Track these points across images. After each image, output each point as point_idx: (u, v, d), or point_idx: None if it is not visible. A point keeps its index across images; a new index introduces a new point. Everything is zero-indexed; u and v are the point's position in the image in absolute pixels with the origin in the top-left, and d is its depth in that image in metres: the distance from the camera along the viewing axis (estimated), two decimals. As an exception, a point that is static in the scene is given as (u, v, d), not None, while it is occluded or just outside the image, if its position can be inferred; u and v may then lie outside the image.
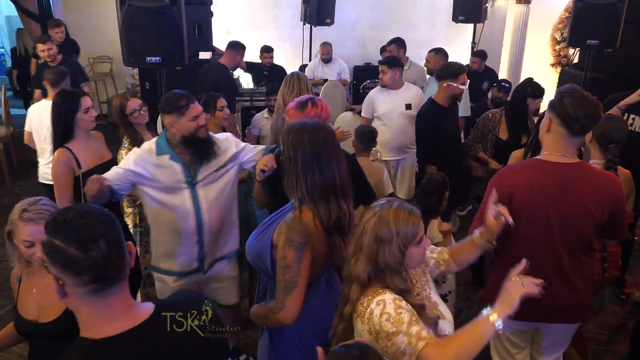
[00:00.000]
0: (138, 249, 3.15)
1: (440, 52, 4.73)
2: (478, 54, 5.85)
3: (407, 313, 1.43)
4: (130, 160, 2.36)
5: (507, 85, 4.86)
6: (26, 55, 8.43)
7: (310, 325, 1.88)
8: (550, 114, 1.99)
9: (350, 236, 1.82)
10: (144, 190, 2.38)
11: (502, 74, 7.16)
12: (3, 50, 10.13)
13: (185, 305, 1.30)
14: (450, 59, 4.51)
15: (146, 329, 1.18)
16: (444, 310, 1.70)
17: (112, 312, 1.14)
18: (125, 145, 3.07)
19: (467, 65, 5.83)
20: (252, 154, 2.55)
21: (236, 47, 4.96)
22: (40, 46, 4.80)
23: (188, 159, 2.38)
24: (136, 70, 5.91)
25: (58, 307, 1.76)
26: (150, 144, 2.42)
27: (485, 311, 1.45)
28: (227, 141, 2.53)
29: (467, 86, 3.56)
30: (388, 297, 1.47)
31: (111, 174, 2.30)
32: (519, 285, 1.47)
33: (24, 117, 4.06)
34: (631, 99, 3.23)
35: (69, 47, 6.14)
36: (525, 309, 1.50)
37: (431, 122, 3.53)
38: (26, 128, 3.91)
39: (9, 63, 9.78)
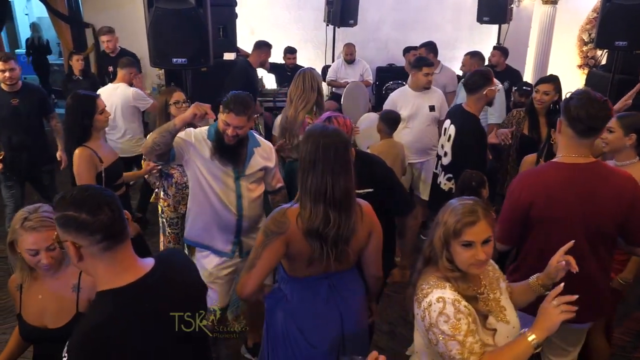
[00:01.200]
0: (161, 238, 3.23)
1: (476, 56, 4.58)
2: (498, 48, 5.70)
3: (465, 320, 1.50)
4: (191, 134, 2.50)
5: (529, 88, 4.79)
6: (39, 44, 9.31)
7: (297, 320, 1.97)
8: (561, 117, 2.05)
9: (342, 248, 1.87)
10: (195, 165, 2.49)
11: (527, 76, 7.06)
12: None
13: (178, 265, 1.52)
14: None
15: (154, 276, 1.41)
16: (512, 315, 1.70)
17: (123, 265, 1.36)
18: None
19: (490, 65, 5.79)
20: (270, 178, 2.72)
21: (262, 47, 5.12)
22: (103, 37, 5.68)
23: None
24: (162, 71, 6.01)
25: (68, 312, 1.80)
26: (203, 129, 2.55)
27: (524, 330, 1.55)
28: (271, 152, 2.69)
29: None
30: (448, 295, 1.53)
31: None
32: (558, 311, 1.52)
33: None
34: (621, 105, 3.14)
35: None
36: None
37: (484, 137, 3.41)
38: None
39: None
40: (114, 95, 4.38)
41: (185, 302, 1.48)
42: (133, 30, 6.81)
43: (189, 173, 2.57)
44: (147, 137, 2.50)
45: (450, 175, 3.44)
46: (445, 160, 3.51)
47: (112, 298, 1.34)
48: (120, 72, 4.55)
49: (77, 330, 1.34)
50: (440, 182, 3.58)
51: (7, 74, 3.78)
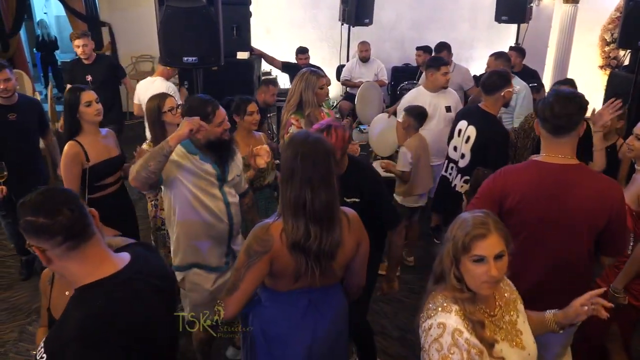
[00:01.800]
0: (162, 251, 3.18)
1: (501, 57, 4.29)
2: (515, 48, 5.56)
3: (458, 355, 1.39)
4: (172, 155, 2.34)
5: (536, 86, 4.65)
6: (49, 41, 9.47)
7: (267, 327, 1.89)
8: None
9: (325, 264, 1.77)
10: (181, 183, 2.36)
11: (547, 77, 6.91)
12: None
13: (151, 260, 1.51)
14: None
15: (133, 269, 1.41)
16: (528, 341, 1.59)
17: (95, 261, 1.35)
18: (147, 141, 3.11)
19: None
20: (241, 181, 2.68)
21: (265, 84, 4.55)
22: (76, 41, 4.71)
23: (214, 159, 2.41)
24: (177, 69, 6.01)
25: None
26: (178, 147, 2.38)
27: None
28: (240, 156, 2.65)
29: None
30: (451, 323, 1.43)
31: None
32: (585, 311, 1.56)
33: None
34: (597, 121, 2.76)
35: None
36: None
37: (504, 137, 3.29)
38: (135, 101, 4.72)
39: (57, 62, 10.15)
40: (150, 88, 4.33)
41: (164, 294, 1.51)
42: (149, 29, 6.81)
43: (172, 194, 2.41)
44: (132, 167, 2.29)
45: (468, 178, 3.33)
46: (462, 163, 3.41)
47: (98, 289, 1.33)
48: (160, 67, 4.60)
49: (67, 327, 1.29)
50: (455, 185, 3.49)
51: (1, 84, 3.29)
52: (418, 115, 3.69)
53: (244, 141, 3.09)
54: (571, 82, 3.60)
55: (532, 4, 6.30)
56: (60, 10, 8.55)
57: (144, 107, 3.90)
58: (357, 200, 2.32)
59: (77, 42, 4.73)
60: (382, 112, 5.46)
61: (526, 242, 2.00)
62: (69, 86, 2.90)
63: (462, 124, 3.45)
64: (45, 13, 10.64)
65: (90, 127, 2.82)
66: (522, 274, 2.02)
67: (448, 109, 4.02)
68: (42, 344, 1.30)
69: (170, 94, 4.22)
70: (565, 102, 1.94)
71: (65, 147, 2.77)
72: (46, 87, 8.48)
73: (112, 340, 1.28)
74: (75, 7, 7.70)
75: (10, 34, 7.90)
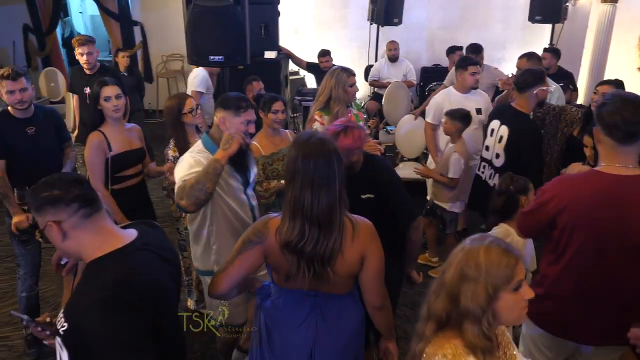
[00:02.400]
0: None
1: (532, 58, 4.26)
2: (550, 50, 5.41)
3: None
4: (199, 161, 2.28)
5: (570, 87, 4.50)
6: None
7: (271, 325, 1.89)
8: (596, 125, 1.90)
9: (318, 268, 1.73)
10: (216, 193, 2.33)
11: (582, 79, 6.70)
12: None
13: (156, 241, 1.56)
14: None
15: (142, 240, 1.48)
16: None
17: (106, 233, 1.42)
18: (171, 146, 3.12)
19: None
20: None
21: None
22: (79, 49, 4.24)
23: (236, 164, 2.39)
24: (205, 68, 6.06)
25: None
26: (198, 145, 2.41)
27: None
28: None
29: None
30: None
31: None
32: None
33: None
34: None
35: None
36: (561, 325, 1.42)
37: (540, 136, 3.26)
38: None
39: (91, 60, 10.38)
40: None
41: (170, 264, 1.56)
42: (179, 29, 6.91)
43: (210, 206, 2.38)
44: (180, 190, 2.20)
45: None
46: (498, 162, 3.36)
47: (110, 260, 1.38)
48: None
49: (85, 294, 1.33)
50: (494, 184, 3.41)
51: (17, 95, 2.85)
52: (463, 118, 3.58)
53: (269, 139, 3.09)
54: (618, 83, 3.48)
55: (567, 4, 6.11)
56: (95, 9, 8.74)
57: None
58: (371, 196, 2.28)
59: (80, 49, 4.19)
60: (409, 113, 5.38)
61: (580, 262, 1.89)
62: (97, 80, 2.91)
63: (495, 123, 3.39)
64: (80, 12, 10.88)
65: (111, 120, 2.88)
66: (572, 296, 1.96)
67: (478, 111, 3.92)
68: (61, 314, 1.35)
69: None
70: (636, 108, 1.80)
71: (89, 136, 2.86)
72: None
73: (130, 302, 1.31)
74: (109, 7, 7.86)
75: (46, 33, 8.12)
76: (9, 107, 2.94)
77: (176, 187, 2.24)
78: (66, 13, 10.45)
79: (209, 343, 3.08)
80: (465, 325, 1.28)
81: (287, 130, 3.35)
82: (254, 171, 2.55)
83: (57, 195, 1.35)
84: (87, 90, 4.21)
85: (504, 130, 3.27)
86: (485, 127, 3.68)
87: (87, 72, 4.32)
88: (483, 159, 3.55)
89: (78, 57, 4.26)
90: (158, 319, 1.38)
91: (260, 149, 3.01)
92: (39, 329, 1.50)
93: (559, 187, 1.98)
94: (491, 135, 3.41)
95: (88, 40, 4.26)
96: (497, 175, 3.38)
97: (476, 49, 5.19)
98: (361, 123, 3.31)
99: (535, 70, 3.30)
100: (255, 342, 1.97)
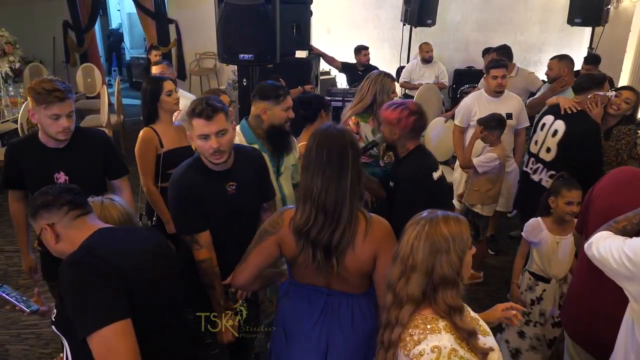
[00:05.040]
0: None
1: (564, 59, 4.18)
2: (590, 60, 5.22)
3: None
4: None
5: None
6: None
7: (286, 322, 1.91)
8: None
9: (335, 260, 1.72)
10: None
11: (623, 84, 6.46)
12: (124, 44, 11.00)
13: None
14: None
15: (115, 228, 1.62)
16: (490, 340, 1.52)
17: (88, 229, 1.53)
18: None
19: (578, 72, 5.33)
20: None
21: None
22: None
23: (271, 149, 2.47)
24: (236, 67, 6.12)
25: None
26: (237, 134, 2.46)
27: None
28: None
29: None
30: (445, 343, 1.33)
31: None
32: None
33: (135, 107, 4.26)
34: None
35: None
36: None
37: (598, 134, 3.14)
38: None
39: (127, 56, 10.63)
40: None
41: (159, 248, 1.64)
42: (213, 27, 7.00)
43: None
44: None
45: (554, 172, 3.23)
46: (549, 157, 3.28)
47: (91, 235, 1.52)
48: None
49: (65, 261, 1.42)
50: (540, 179, 3.36)
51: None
52: (499, 125, 3.47)
53: None
54: None
55: (609, 6, 5.89)
56: (132, 7, 8.93)
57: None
58: (391, 185, 2.37)
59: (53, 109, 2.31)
60: (440, 115, 5.29)
61: None
62: (148, 76, 2.97)
63: (548, 118, 3.32)
64: (118, 10, 11.16)
65: (166, 115, 2.92)
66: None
67: (509, 115, 3.80)
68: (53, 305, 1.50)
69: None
70: None
71: (141, 133, 2.88)
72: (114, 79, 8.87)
73: (95, 265, 1.40)
74: (145, 5, 8.02)
75: (85, 29, 8.34)
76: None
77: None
78: (105, 10, 10.72)
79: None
80: (443, 292, 1.39)
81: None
82: (289, 160, 2.59)
83: (50, 200, 1.52)
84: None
85: (560, 125, 3.20)
86: (534, 125, 3.61)
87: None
88: (531, 154, 3.48)
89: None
90: (133, 285, 1.43)
91: None
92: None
93: (609, 178, 1.98)
94: (541, 130, 3.34)
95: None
96: (544, 170, 3.32)
97: (501, 52, 5.05)
98: None
99: (594, 76, 3.31)
100: (274, 338, 1.98)
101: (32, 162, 2.26)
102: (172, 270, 1.66)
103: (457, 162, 4.13)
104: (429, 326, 1.37)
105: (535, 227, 2.71)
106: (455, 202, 4.00)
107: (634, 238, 1.55)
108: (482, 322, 1.53)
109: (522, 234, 2.79)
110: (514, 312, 1.72)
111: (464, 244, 1.41)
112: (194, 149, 2.08)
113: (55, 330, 1.49)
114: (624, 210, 1.70)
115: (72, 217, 1.53)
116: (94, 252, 1.44)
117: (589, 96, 3.11)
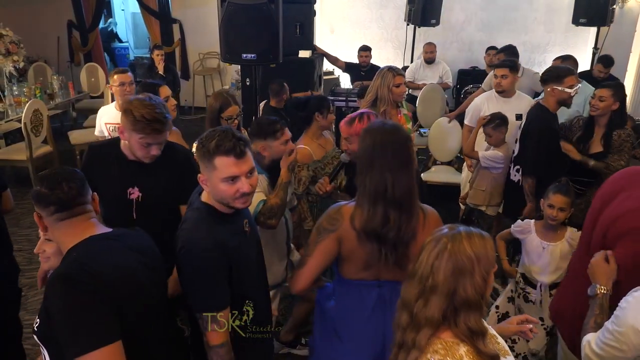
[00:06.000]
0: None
1: (567, 60, 4.19)
2: (601, 60, 5.21)
3: None
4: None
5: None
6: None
7: (337, 327, 1.90)
8: None
9: (403, 252, 1.74)
10: None
11: (628, 85, 6.42)
12: (128, 44, 11.02)
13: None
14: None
15: (109, 234, 1.53)
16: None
17: (82, 229, 1.48)
18: None
19: (590, 71, 5.30)
20: None
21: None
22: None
23: (271, 178, 2.46)
24: (239, 67, 6.12)
25: None
26: None
27: None
28: None
29: (575, 91, 3.15)
30: None
31: None
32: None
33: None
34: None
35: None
36: None
37: (546, 127, 3.19)
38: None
39: (131, 56, 10.64)
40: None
41: (148, 259, 1.58)
42: (216, 27, 7.02)
43: None
44: (269, 211, 2.26)
45: (519, 167, 3.30)
46: (516, 151, 3.35)
47: (83, 244, 1.45)
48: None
49: (55, 274, 1.39)
50: (511, 174, 3.41)
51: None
52: (504, 122, 3.47)
53: (317, 142, 3.13)
54: (616, 85, 3.33)
55: (614, 6, 5.86)
56: (136, 7, 8.94)
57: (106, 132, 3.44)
58: None
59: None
60: (444, 115, 5.27)
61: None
62: (142, 81, 2.91)
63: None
64: (122, 10, 11.17)
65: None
66: None
67: (518, 116, 3.74)
68: (37, 315, 1.44)
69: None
70: None
71: None
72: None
73: (85, 281, 1.35)
74: (150, 5, 8.03)
75: (89, 29, 8.36)
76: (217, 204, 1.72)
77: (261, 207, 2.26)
78: (109, 10, 10.74)
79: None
80: (465, 315, 1.26)
81: (326, 131, 3.35)
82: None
83: (42, 193, 1.45)
84: None
85: (525, 118, 3.31)
86: None
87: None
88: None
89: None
90: (122, 301, 1.40)
91: (313, 154, 3.04)
92: None
93: (616, 175, 1.92)
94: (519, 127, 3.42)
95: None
96: (515, 167, 3.36)
97: (507, 52, 5.04)
98: (410, 125, 3.31)
99: (556, 68, 3.31)
100: (320, 340, 1.98)
101: (107, 171, 2.09)
102: (161, 278, 1.64)
103: (465, 164, 4.11)
104: (450, 351, 1.26)
105: (525, 227, 2.72)
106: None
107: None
108: (500, 340, 1.46)
109: (512, 227, 2.79)
110: (530, 325, 1.68)
111: (489, 263, 1.29)
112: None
113: (37, 340, 1.44)
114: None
115: (57, 219, 1.46)
116: (86, 268, 1.37)
117: (548, 89, 3.15)
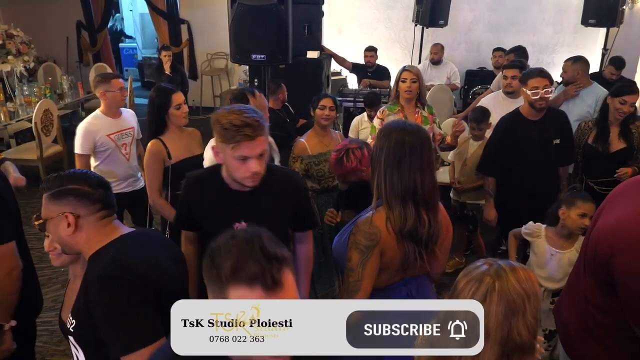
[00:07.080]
0: None
1: (578, 61, 4.03)
2: (614, 62, 5.14)
3: None
4: None
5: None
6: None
7: None
8: None
9: (431, 250, 1.77)
10: None
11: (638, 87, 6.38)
12: (136, 44, 11.07)
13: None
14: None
15: (138, 232, 1.60)
16: None
17: (110, 230, 1.48)
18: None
19: (602, 72, 5.25)
20: None
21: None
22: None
23: None
24: (248, 67, 6.14)
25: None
26: None
27: None
28: None
29: (546, 93, 3.02)
30: None
31: None
32: None
33: (146, 107, 4.20)
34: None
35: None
36: None
37: (503, 126, 3.22)
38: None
39: (140, 56, 10.69)
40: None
41: (174, 252, 1.64)
42: (224, 27, 7.02)
43: None
44: None
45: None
46: None
47: (107, 248, 1.44)
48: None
49: (87, 281, 1.38)
50: None
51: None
52: (486, 116, 3.57)
53: (319, 138, 3.14)
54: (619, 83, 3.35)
55: (624, 7, 5.82)
56: (144, 7, 8.99)
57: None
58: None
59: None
60: (452, 116, 5.26)
61: None
62: (157, 85, 2.87)
63: None
64: (130, 10, 11.23)
65: (174, 127, 2.83)
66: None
67: None
68: (69, 314, 1.42)
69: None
70: None
71: (149, 145, 2.79)
72: (126, 79, 8.96)
73: (126, 277, 1.35)
74: (158, 5, 8.07)
75: (98, 29, 8.41)
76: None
77: None
78: (117, 11, 10.79)
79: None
80: None
81: (337, 132, 3.35)
82: None
83: (86, 192, 1.41)
84: None
85: None
86: None
87: None
88: None
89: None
90: (160, 295, 1.40)
91: (308, 148, 3.04)
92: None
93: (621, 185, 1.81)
94: None
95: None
96: None
97: (517, 53, 5.01)
98: (428, 127, 3.25)
99: (527, 70, 3.34)
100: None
101: (210, 205, 1.93)
102: (184, 268, 1.67)
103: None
104: None
105: (534, 232, 2.67)
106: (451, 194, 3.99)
107: None
108: None
109: (522, 229, 2.74)
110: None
111: (538, 299, 1.14)
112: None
113: (73, 341, 1.42)
114: None
115: (100, 217, 1.44)
116: (126, 265, 1.37)
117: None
